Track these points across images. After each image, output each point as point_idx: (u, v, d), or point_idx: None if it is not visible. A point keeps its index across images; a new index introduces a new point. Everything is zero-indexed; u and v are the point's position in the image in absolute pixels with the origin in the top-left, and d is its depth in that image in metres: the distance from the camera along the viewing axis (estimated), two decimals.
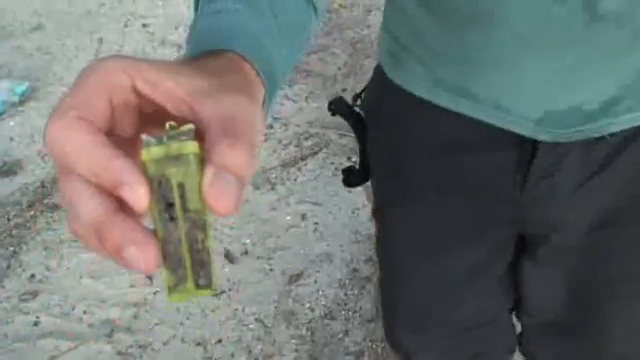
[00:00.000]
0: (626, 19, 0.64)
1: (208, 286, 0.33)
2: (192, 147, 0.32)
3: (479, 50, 0.72)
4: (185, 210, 0.32)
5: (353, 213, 2.05)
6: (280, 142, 2.30)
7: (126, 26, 2.85)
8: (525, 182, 0.80)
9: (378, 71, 0.87)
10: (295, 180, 2.19)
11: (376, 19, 2.77)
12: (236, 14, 0.48)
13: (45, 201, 2.13)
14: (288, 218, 2.08)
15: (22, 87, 2.45)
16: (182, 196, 0.32)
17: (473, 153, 0.82)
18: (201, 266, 0.33)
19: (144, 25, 2.85)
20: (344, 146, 2.26)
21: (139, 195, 0.32)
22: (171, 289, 0.33)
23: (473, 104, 0.76)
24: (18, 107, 2.43)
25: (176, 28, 2.81)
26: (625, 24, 0.65)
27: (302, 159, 2.25)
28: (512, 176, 0.81)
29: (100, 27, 2.83)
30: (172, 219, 0.32)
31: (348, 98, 0.91)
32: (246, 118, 0.37)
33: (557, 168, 0.78)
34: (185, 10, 2.88)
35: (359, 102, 0.91)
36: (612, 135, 0.75)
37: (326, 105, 0.90)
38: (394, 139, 0.87)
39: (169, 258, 0.33)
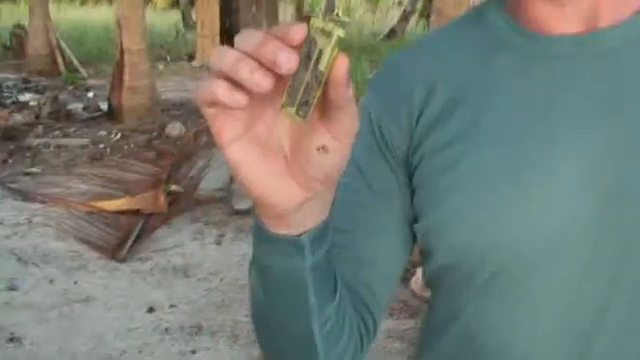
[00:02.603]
0: None
1: (303, 117, 0.49)
2: (340, 32, 0.48)
3: None
4: (315, 67, 0.48)
5: None
6: None
7: None
8: None
9: None
10: None
11: None
12: None
13: None
14: None
15: None
16: (317, 58, 0.48)
17: None
18: (306, 104, 0.49)
19: None
20: None
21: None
22: (283, 106, 0.49)
23: None
24: None
25: None
26: None
27: None
28: None
29: None
30: (305, 67, 0.48)
31: None
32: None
33: None
34: None
35: None
36: None
37: None
38: None
39: (292, 87, 0.49)
